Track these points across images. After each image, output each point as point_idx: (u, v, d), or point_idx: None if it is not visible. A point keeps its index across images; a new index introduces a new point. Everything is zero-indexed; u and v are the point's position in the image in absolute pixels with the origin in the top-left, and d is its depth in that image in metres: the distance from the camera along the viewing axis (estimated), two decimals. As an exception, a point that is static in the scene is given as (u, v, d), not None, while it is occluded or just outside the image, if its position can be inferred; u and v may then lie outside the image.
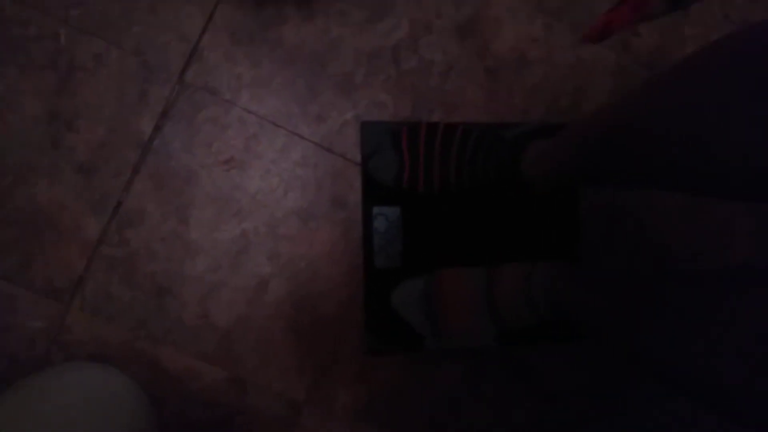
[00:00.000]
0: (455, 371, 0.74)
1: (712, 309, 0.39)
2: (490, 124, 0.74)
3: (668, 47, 0.78)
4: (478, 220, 0.75)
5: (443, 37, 0.75)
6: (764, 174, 0.36)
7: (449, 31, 0.75)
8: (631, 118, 0.45)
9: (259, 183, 0.72)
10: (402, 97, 0.74)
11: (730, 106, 0.36)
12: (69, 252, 0.69)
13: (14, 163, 0.68)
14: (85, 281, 0.69)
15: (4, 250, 0.68)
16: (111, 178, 0.70)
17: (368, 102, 0.73)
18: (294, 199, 0.72)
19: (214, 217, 0.71)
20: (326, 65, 0.73)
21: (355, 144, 0.73)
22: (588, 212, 0.76)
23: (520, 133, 0.68)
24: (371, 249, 0.72)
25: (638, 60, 0.77)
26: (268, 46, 0.72)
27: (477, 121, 0.74)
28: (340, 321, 0.72)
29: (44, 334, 0.68)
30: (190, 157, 0.71)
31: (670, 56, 0.78)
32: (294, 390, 0.72)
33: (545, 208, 0.75)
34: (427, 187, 0.69)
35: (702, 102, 0.38)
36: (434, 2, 0.75)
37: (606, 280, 0.59)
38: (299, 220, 0.72)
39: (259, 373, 0.71)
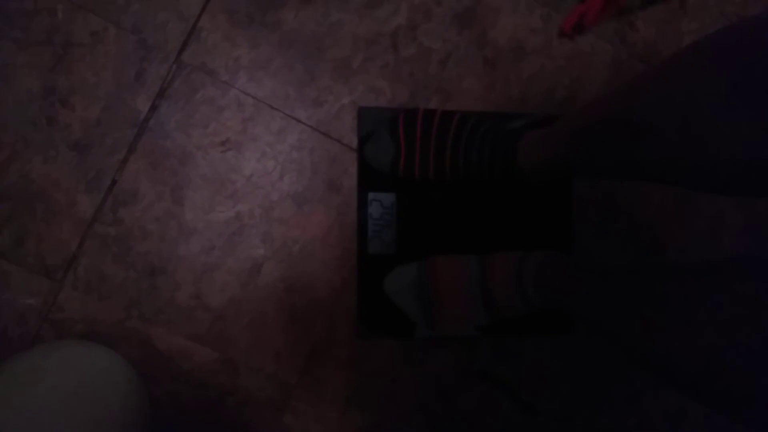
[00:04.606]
0: (447, 358, 0.75)
1: (701, 301, 0.40)
2: (487, 113, 0.74)
3: (664, 41, 0.78)
4: (473, 208, 0.75)
5: (442, 24, 0.75)
6: (753, 167, 0.37)
7: (448, 19, 0.75)
8: (628, 112, 0.46)
9: (254, 165, 0.72)
10: (399, 84, 0.74)
11: (722, 101, 0.37)
12: (62, 229, 0.69)
13: (9, 138, 0.68)
14: (78, 259, 0.69)
15: (-4, 226, 0.68)
16: (106, 157, 0.69)
17: (366, 87, 0.73)
18: (289, 182, 0.72)
19: (209, 199, 0.71)
20: (324, 50, 0.73)
21: (352, 129, 0.73)
22: (581, 203, 0.77)
23: (518, 127, 0.68)
24: (365, 234, 0.73)
25: (635, 53, 0.78)
26: (266, 28, 0.72)
27: (474, 109, 0.75)
28: (333, 305, 0.73)
29: (36, 312, 0.68)
30: (185, 138, 0.71)
31: (666, 50, 0.78)
32: (286, 373, 0.72)
33: (539, 198, 0.76)
34: (423, 174, 0.69)
35: (695, 96, 0.38)
36: (434, -11, 0.75)
37: (596, 270, 0.60)
38: (294, 204, 0.72)
39: (252, 355, 0.71)
